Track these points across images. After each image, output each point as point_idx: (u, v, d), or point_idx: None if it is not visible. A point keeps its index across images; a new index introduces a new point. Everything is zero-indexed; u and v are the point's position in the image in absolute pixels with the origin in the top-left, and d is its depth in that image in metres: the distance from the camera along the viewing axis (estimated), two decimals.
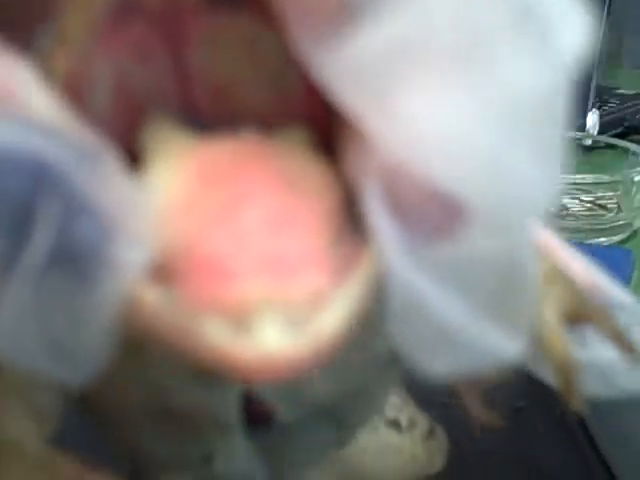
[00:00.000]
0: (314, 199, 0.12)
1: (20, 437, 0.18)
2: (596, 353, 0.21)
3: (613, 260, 0.46)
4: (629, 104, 0.75)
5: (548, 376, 0.21)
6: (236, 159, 0.12)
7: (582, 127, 0.67)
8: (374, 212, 0.12)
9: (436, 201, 0.12)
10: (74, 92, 0.12)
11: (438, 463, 0.28)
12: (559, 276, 0.20)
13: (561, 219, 0.53)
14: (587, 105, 0.66)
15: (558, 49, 0.12)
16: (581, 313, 0.20)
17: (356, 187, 0.12)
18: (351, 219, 0.12)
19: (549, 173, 0.12)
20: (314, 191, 0.12)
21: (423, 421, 0.27)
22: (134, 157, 0.12)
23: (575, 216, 0.54)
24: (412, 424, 0.26)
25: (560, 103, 0.12)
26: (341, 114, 0.12)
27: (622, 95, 0.78)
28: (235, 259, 0.11)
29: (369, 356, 0.18)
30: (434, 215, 0.12)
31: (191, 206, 0.12)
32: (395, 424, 0.26)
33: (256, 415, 0.18)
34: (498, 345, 0.13)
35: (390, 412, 0.26)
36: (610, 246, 0.51)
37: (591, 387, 0.21)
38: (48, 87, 0.11)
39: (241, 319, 0.11)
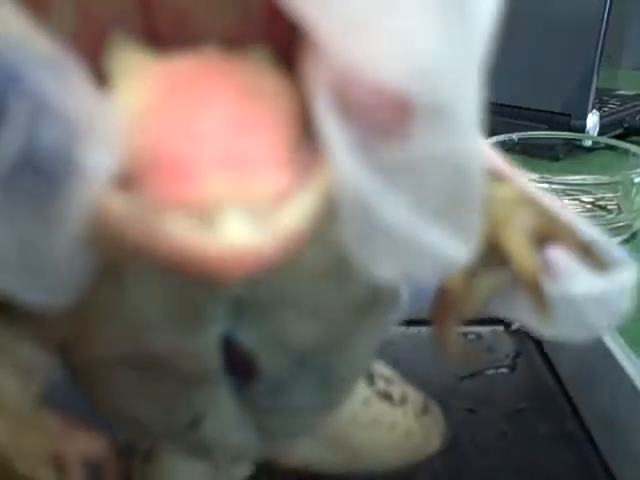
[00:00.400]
0: (273, 106, 0.12)
1: (5, 394, 0.18)
2: (567, 287, 0.20)
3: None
4: (629, 105, 0.75)
5: (518, 313, 0.21)
6: (198, 71, 0.12)
7: (582, 128, 0.67)
8: (323, 117, 0.12)
9: (385, 102, 0.12)
10: (38, 12, 0.12)
11: (435, 442, 0.28)
12: (527, 198, 0.20)
13: None
14: (587, 106, 0.66)
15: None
16: (548, 232, 0.20)
17: (309, 96, 0.12)
18: (310, 129, 0.12)
19: (470, 65, 0.13)
20: (273, 100, 0.12)
21: (416, 397, 0.27)
22: (101, 77, 0.13)
23: None
24: (404, 398, 0.26)
25: None
26: (300, 30, 0.12)
27: (622, 96, 0.78)
28: (196, 158, 0.11)
29: (347, 300, 0.18)
30: (383, 116, 0.12)
31: (153, 114, 0.12)
32: (387, 396, 0.25)
33: (239, 367, 0.18)
34: (445, 248, 0.14)
35: (381, 384, 0.25)
36: None
37: (561, 324, 0.21)
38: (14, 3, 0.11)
39: (204, 215, 0.11)
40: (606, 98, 0.76)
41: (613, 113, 0.72)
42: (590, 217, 0.53)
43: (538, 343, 0.39)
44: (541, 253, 0.20)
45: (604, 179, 0.53)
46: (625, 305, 0.21)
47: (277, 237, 0.11)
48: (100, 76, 0.13)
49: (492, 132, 0.60)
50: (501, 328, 0.40)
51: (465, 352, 0.21)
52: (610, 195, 0.54)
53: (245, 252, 0.11)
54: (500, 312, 0.22)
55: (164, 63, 0.13)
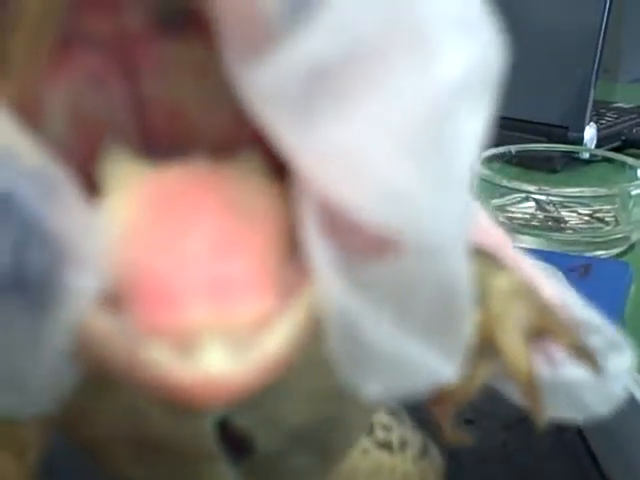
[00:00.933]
0: (260, 224, 0.12)
1: (1, 471, 0.18)
2: (563, 373, 0.21)
3: (611, 273, 0.46)
4: (626, 118, 0.75)
5: (513, 393, 0.21)
6: (185, 186, 0.12)
7: (580, 140, 0.67)
8: (309, 236, 0.12)
9: (370, 229, 0.12)
10: (29, 119, 0.12)
11: None
12: (524, 290, 0.20)
13: (559, 232, 0.54)
14: (584, 119, 0.67)
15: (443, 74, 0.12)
16: (544, 327, 0.20)
17: (296, 213, 0.12)
18: (297, 245, 0.12)
19: (453, 202, 0.13)
20: (260, 216, 0.12)
21: (416, 441, 0.27)
22: (93, 184, 0.13)
23: (573, 229, 0.54)
24: (404, 444, 0.26)
25: (451, 131, 0.12)
26: None
27: (619, 109, 0.79)
28: (179, 284, 0.11)
29: (340, 384, 0.18)
30: (370, 239, 0.12)
31: (141, 233, 0.12)
32: (386, 445, 0.25)
33: (236, 443, 0.18)
34: (432, 366, 0.14)
35: (380, 433, 0.26)
36: (608, 259, 0.51)
37: (557, 407, 0.21)
38: (3, 113, 0.11)
39: (185, 344, 0.11)
40: (603, 111, 0.77)
41: (610, 126, 0.73)
42: (588, 229, 0.54)
43: None
44: (537, 344, 0.20)
45: (602, 191, 0.53)
46: (622, 390, 0.21)
47: (257, 365, 0.11)
48: (92, 184, 0.13)
49: (489, 143, 0.61)
50: None
51: (460, 434, 0.21)
52: (607, 207, 0.55)
53: (223, 382, 0.11)
54: (495, 385, 0.22)
55: (155, 174, 0.13)
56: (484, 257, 0.20)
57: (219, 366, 0.11)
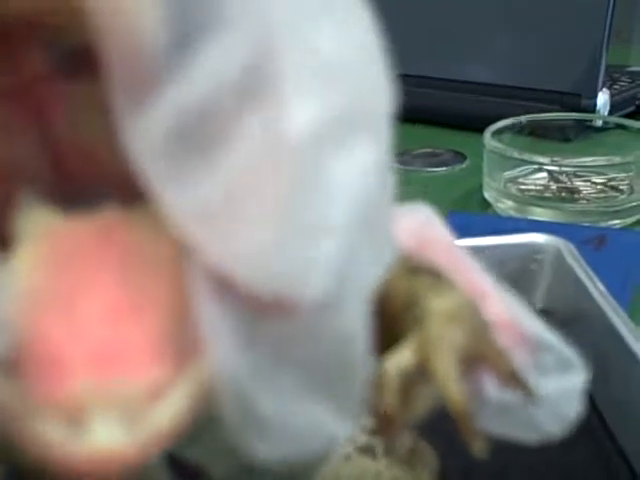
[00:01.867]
0: (161, 284, 0.12)
1: None
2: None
3: (627, 244, 0.45)
4: None
5: None
6: (90, 239, 0.12)
7: (593, 107, 0.66)
8: (197, 300, 0.12)
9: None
10: None
11: None
12: (465, 313, 0.20)
13: (573, 202, 0.52)
14: (597, 85, 0.65)
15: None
16: (479, 353, 0.19)
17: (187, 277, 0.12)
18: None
19: (329, 250, 0.12)
20: (163, 274, 0.12)
21: (403, 443, 0.26)
22: (8, 235, 0.12)
23: (587, 199, 0.53)
24: (388, 450, 0.26)
25: (316, 179, 0.12)
26: None
27: (633, 73, 0.77)
28: (68, 350, 0.11)
29: None
30: (261, 300, 0.12)
31: (39, 293, 0.11)
32: (369, 450, 0.25)
33: (189, 475, 0.18)
34: (328, 428, 0.13)
35: (362, 439, 0.25)
36: (623, 230, 0.50)
37: (508, 428, 0.21)
38: None
39: (72, 417, 0.11)
40: (617, 75, 0.75)
41: (624, 90, 0.71)
42: (602, 198, 0.53)
43: (552, 327, 0.38)
44: (473, 372, 0.20)
45: (616, 159, 0.52)
46: (574, 409, 0.21)
47: (148, 437, 0.11)
48: (7, 235, 0.12)
49: (500, 114, 0.60)
50: None
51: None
52: (622, 175, 0.54)
53: (111, 456, 0.11)
54: None
55: (63, 224, 0.12)
56: (427, 276, 0.20)
57: (107, 441, 0.10)
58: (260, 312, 0.12)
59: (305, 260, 0.12)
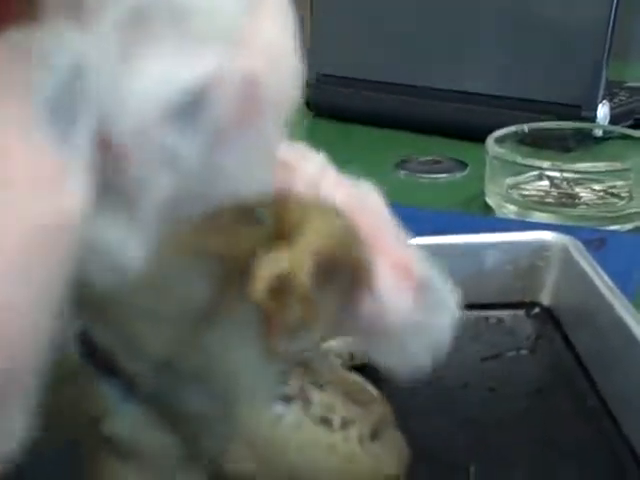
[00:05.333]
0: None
1: None
2: (387, 319, 0.23)
3: (626, 246, 0.47)
4: (638, 97, 0.75)
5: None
6: None
7: (593, 119, 0.67)
8: None
9: None
10: None
11: (391, 468, 0.27)
12: (338, 232, 0.21)
13: (573, 207, 0.54)
14: (597, 97, 0.67)
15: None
16: (341, 261, 0.21)
17: None
18: None
19: None
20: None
21: (365, 421, 0.26)
22: None
23: (587, 204, 0.54)
24: (347, 423, 0.26)
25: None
26: None
27: (631, 88, 0.79)
28: None
29: (182, 307, 0.20)
30: None
31: None
32: (324, 421, 0.25)
33: (101, 361, 0.20)
34: (120, 247, 0.15)
35: (318, 410, 0.25)
36: (623, 232, 0.52)
37: (381, 354, 0.24)
38: None
39: None
40: (616, 90, 0.77)
41: (623, 105, 0.73)
42: (602, 204, 0.54)
43: (558, 325, 0.39)
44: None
45: (615, 166, 0.54)
46: (445, 342, 0.23)
47: None
48: None
49: (503, 124, 0.61)
50: (522, 312, 0.41)
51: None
52: (621, 183, 0.55)
53: None
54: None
55: None
56: (312, 203, 0.22)
57: None
58: None
59: None
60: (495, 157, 0.56)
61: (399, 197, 0.49)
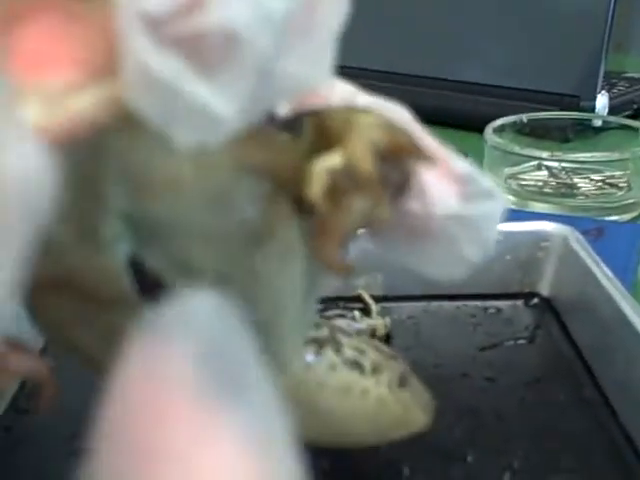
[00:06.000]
0: (91, 24, 0.15)
1: None
2: (436, 210, 0.22)
3: (624, 235, 0.46)
4: (638, 87, 0.75)
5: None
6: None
7: (591, 109, 0.67)
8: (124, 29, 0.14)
9: None
10: None
11: (419, 418, 0.27)
12: (387, 123, 0.21)
13: (572, 197, 0.54)
14: (596, 87, 0.67)
15: None
16: (396, 145, 0.20)
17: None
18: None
19: None
20: (96, 19, 0.15)
21: (393, 369, 0.27)
22: None
23: (585, 195, 0.54)
24: (377, 368, 0.26)
25: None
26: None
27: (630, 79, 0.79)
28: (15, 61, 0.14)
29: (238, 230, 0.19)
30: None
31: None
32: (357, 365, 0.25)
33: (150, 287, 0.19)
34: (213, 105, 0.15)
35: (350, 353, 0.25)
36: (621, 223, 0.52)
37: (433, 260, 0.23)
38: None
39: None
40: (615, 80, 0.77)
41: (622, 94, 0.73)
42: (600, 195, 0.54)
43: (557, 315, 0.40)
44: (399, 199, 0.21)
45: (614, 156, 0.54)
46: (494, 233, 0.23)
47: (62, 117, 0.14)
48: None
49: (502, 114, 0.61)
50: (520, 302, 0.41)
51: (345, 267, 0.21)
52: (620, 173, 0.55)
53: (39, 130, 0.14)
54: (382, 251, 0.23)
55: None
56: (358, 109, 0.21)
57: (34, 117, 0.14)
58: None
59: None
60: (493, 147, 0.56)
61: None
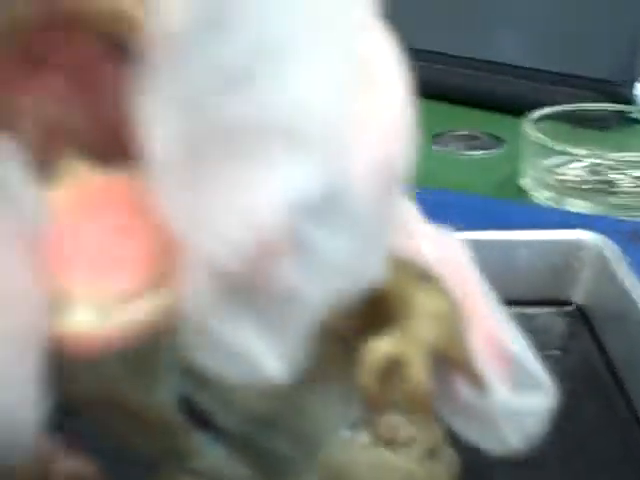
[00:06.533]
0: (152, 227, 0.15)
1: None
2: (484, 400, 0.22)
3: None
4: None
5: None
6: (103, 189, 0.16)
7: (630, 96, 0.66)
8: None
9: None
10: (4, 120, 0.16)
11: None
12: (446, 313, 0.21)
13: (609, 196, 0.53)
14: (633, 76, 0.65)
15: None
16: (449, 354, 0.21)
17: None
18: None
19: None
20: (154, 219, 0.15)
21: (424, 441, 0.27)
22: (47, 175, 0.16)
23: (624, 192, 0.54)
24: (408, 442, 0.26)
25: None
26: None
27: None
28: (69, 258, 0.15)
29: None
30: None
31: (61, 214, 0.15)
32: (389, 442, 0.26)
33: (201, 421, 0.21)
34: (262, 360, 0.15)
35: (384, 430, 0.26)
36: None
37: (474, 436, 0.23)
38: None
39: (59, 305, 0.15)
40: None
41: None
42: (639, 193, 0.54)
43: (590, 325, 0.40)
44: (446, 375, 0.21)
45: None
46: (539, 427, 0.22)
47: (112, 326, 0.14)
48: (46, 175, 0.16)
49: (537, 100, 0.60)
50: (554, 309, 0.41)
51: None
52: None
53: (87, 337, 0.14)
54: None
55: (92, 179, 0.16)
56: (420, 277, 0.21)
57: (83, 322, 0.14)
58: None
59: None
60: (531, 139, 0.56)
61: (431, 175, 0.48)
